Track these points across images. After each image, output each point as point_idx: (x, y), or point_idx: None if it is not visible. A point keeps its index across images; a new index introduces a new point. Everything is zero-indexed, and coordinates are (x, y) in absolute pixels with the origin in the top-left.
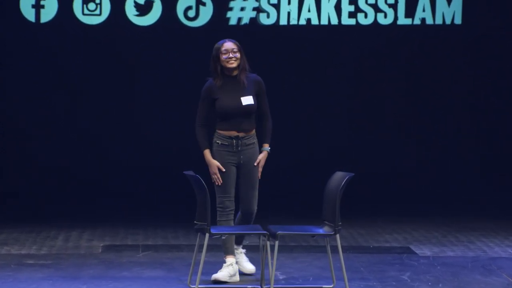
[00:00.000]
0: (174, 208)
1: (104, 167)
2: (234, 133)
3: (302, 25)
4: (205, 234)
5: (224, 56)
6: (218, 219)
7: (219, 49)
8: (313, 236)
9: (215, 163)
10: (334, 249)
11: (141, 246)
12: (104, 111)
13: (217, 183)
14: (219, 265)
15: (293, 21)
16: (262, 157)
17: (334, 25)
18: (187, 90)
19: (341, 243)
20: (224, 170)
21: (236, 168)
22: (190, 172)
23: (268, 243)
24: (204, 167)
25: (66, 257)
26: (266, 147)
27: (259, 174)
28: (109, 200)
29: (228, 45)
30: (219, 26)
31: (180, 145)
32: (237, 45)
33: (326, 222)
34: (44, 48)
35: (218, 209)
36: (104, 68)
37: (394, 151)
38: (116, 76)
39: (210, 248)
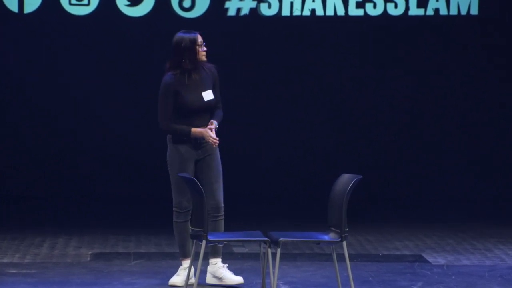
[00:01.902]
0: (169, 213)
1: (93, 168)
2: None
3: (306, 16)
4: (201, 241)
5: (201, 49)
6: (174, 220)
7: (195, 41)
8: (318, 243)
9: (202, 129)
10: (341, 257)
11: (133, 254)
12: (91, 109)
13: (213, 143)
14: None
15: (297, 12)
16: (214, 128)
17: (341, 16)
18: None
19: (348, 251)
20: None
21: (194, 164)
22: (186, 175)
23: (269, 250)
24: None
25: (52, 266)
26: (216, 122)
27: (214, 141)
28: (99, 204)
29: (200, 37)
30: (216, 17)
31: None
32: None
33: (332, 228)
34: (28, 40)
35: (174, 210)
36: (93, 62)
37: (406, 152)
38: (104, 71)
39: (207, 256)
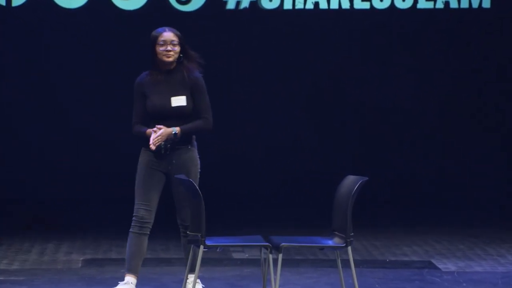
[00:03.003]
0: (165, 216)
1: (86, 169)
2: None
3: (309, 10)
4: (199, 247)
5: (161, 48)
6: (130, 230)
7: (156, 38)
8: (321, 248)
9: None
10: (346, 264)
11: None
12: (83, 105)
13: (150, 145)
14: (215, 282)
15: (299, 5)
16: (164, 130)
17: (346, 10)
18: None
19: (353, 257)
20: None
21: (165, 175)
22: (182, 176)
23: (270, 256)
24: (207, 173)
25: (41, 273)
26: (176, 129)
27: (153, 143)
28: (91, 207)
29: (167, 35)
30: (214, 11)
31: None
32: (178, 36)
33: (337, 233)
34: (16, 34)
35: (133, 218)
36: (85, 58)
37: (414, 152)
38: (98, 67)
39: (205, 262)
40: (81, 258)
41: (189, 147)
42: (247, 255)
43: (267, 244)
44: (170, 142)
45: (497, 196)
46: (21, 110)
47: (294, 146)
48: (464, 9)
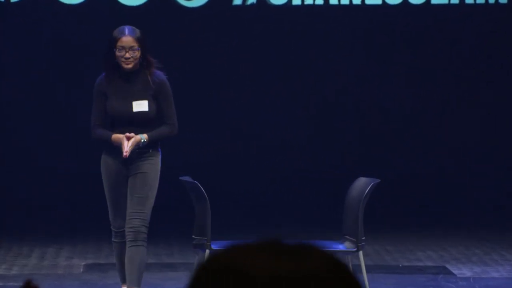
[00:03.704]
0: (169, 220)
1: (87, 170)
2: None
3: (319, 5)
4: (205, 251)
5: (119, 53)
6: (112, 239)
7: (115, 41)
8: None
9: (122, 135)
10: (357, 269)
11: None
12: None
13: (124, 153)
14: None
15: (308, 1)
16: (135, 138)
17: (357, 5)
18: (184, 80)
19: (365, 262)
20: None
21: (127, 178)
22: (187, 178)
23: None
24: (204, 172)
25: (42, 278)
26: (144, 136)
27: (127, 151)
28: (92, 210)
29: (127, 40)
30: (220, 7)
31: (176, 147)
32: (137, 41)
33: (347, 237)
34: (15, 31)
35: (112, 228)
36: (85, 56)
37: (429, 151)
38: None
39: None
40: (83, 263)
41: (151, 151)
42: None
43: None
44: (136, 149)
45: (497, 196)
46: (21, 109)
47: (294, 145)
48: (480, 4)
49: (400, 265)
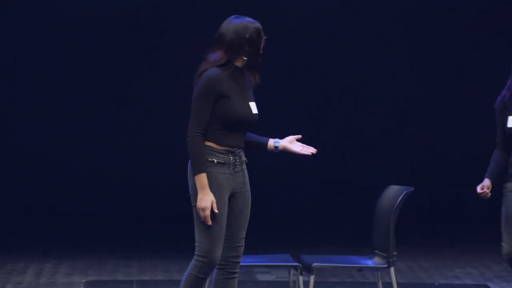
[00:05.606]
0: (178, 233)
1: (89, 181)
2: (235, 149)
3: (325, 4)
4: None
5: (262, 45)
6: (192, 273)
7: (260, 32)
8: (360, 269)
9: (212, 197)
10: (388, 287)
11: (136, 282)
12: (94, 113)
13: (207, 223)
14: None
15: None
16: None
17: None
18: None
19: (396, 279)
20: (217, 207)
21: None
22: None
23: (300, 278)
24: None
25: None
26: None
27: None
28: (94, 223)
29: None
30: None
31: (178, 147)
32: None
33: (377, 252)
34: (15, 30)
35: (198, 259)
36: (85, 56)
37: (468, 154)
38: (99, 65)
39: None
40: (83, 280)
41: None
42: (274, 277)
43: (297, 264)
44: (244, 160)
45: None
46: (21, 109)
47: (337, 151)
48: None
49: (436, 283)
